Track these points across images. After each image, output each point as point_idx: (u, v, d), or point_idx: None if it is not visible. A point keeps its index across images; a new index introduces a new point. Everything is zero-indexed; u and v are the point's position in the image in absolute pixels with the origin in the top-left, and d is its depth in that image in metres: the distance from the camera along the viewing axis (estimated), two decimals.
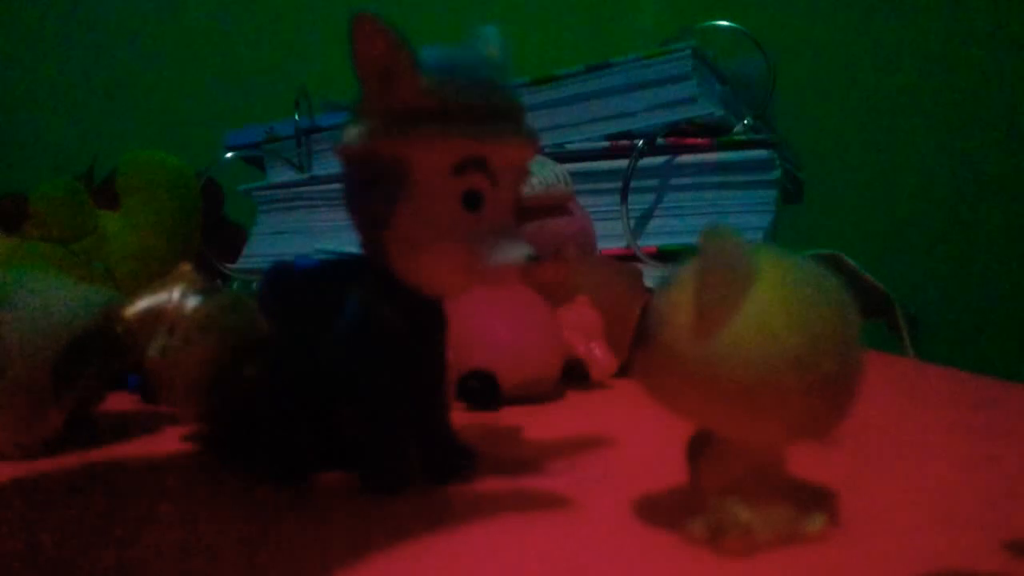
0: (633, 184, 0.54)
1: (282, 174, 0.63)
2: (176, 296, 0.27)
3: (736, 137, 0.55)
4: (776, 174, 0.54)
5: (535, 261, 0.22)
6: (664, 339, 0.17)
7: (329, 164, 0.61)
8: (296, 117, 0.61)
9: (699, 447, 0.19)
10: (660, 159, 0.55)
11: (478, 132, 0.21)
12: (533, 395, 0.35)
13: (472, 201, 0.21)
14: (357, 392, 0.23)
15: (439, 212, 0.21)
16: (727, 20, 0.62)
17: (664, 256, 0.54)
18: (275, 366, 0.24)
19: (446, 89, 0.21)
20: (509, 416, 0.33)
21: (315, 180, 0.61)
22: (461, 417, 0.33)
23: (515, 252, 0.22)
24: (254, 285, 0.47)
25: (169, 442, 0.29)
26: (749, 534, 0.17)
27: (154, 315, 0.28)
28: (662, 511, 0.20)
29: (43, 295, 0.27)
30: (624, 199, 0.53)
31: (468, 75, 0.21)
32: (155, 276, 0.30)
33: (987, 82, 0.88)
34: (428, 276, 0.22)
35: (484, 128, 0.21)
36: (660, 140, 0.55)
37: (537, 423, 0.32)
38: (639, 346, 0.18)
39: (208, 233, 0.51)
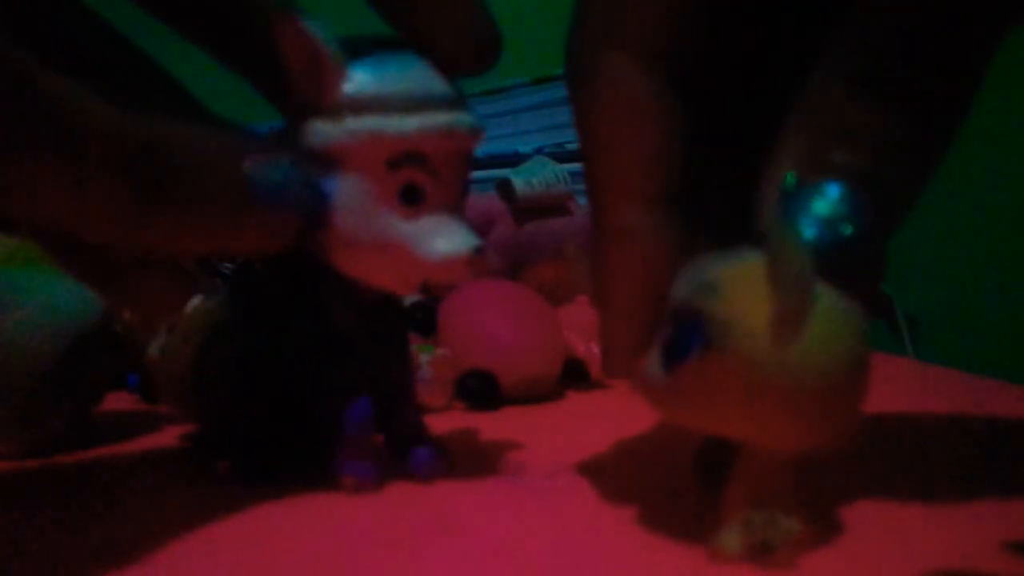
0: None
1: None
2: None
3: None
4: None
5: (483, 252, 0.22)
6: (738, 347, 0.16)
7: None
8: None
9: (713, 460, 0.19)
10: None
11: (411, 125, 0.21)
12: (533, 395, 0.35)
13: (411, 195, 0.21)
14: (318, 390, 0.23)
15: (377, 209, 0.21)
16: None
17: None
18: (242, 364, 0.24)
19: (376, 81, 0.21)
20: (509, 416, 0.33)
21: None
22: (461, 417, 0.33)
23: (460, 244, 0.21)
24: None
25: (169, 442, 0.29)
26: (800, 544, 0.17)
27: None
28: (662, 511, 0.20)
29: (47, 294, 0.27)
30: None
31: (399, 64, 0.21)
32: None
33: (988, 80, 0.88)
34: (370, 273, 0.22)
35: (417, 120, 0.21)
36: None
37: (537, 423, 0.32)
38: (679, 361, 0.17)
39: None
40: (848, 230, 0.17)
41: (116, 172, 0.17)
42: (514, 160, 0.52)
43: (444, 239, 0.21)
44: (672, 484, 0.22)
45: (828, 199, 0.17)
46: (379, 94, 0.21)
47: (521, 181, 0.45)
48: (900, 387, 0.39)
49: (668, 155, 0.19)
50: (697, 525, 0.18)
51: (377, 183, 0.21)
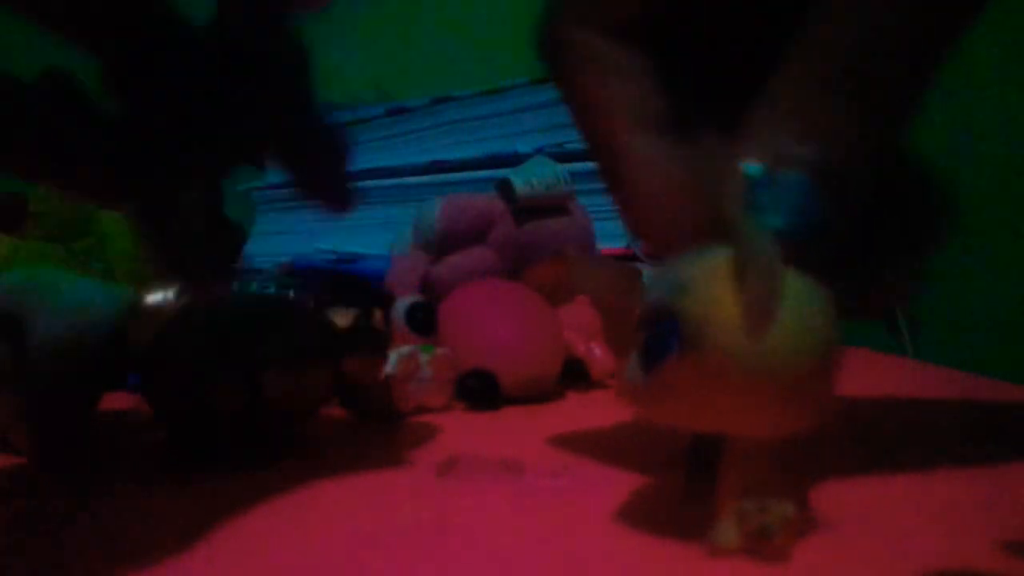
0: None
1: (282, 174, 0.63)
2: (172, 296, 0.27)
3: None
4: None
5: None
6: (714, 343, 0.16)
7: None
8: None
9: (704, 455, 0.19)
10: None
11: None
12: (533, 395, 0.35)
13: None
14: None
15: None
16: None
17: None
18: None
19: None
20: (509, 416, 0.33)
21: None
22: (461, 417, 0.33)
23: None
24: (253, 286, 0.47)
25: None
26: (797, 528, 0.17)
27: (152, 314, 0.28)
28: (662, 511, 0.20)
29: (76, 293, 0.27)
30: None
31: None
32: (153, 276, 0.30)
33: (987, 80, 0.88)
34: None
35: None
36: None
37: (537, 423, 0.32)
38: (657, 362, 0.17)
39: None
40: (809, 220, 0.17)
41: None
42: (514, 160, 0.52)
43: None
44: (672, 483, 0.22)
45: (790, 190, 0.17)
46: None
47: (521, 181, 0.45)
48: (900, 387, 0.39)
49: (646, 98, 0.22)
50: (697, 523, 0.18)
51: None
